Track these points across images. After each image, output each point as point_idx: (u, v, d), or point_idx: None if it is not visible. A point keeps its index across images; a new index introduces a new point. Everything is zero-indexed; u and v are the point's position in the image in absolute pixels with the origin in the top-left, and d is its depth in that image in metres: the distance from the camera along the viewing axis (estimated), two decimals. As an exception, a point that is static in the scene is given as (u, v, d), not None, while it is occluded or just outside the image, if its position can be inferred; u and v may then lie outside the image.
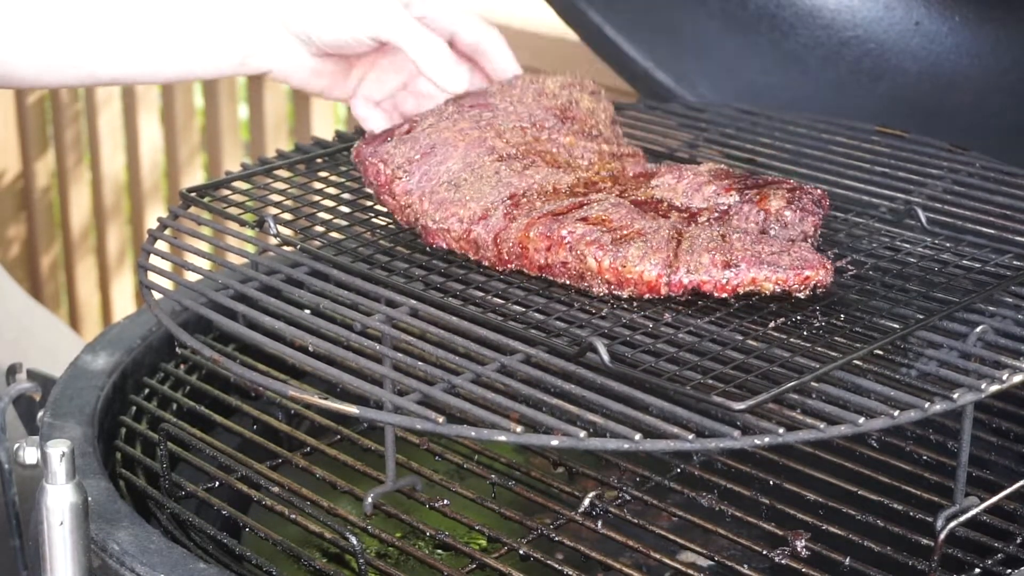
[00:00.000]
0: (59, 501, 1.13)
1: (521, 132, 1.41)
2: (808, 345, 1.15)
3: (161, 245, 1.37)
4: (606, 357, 1.09)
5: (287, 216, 1.42)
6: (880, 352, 1.14)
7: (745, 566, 1.24)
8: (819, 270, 1.21)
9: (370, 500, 1.30)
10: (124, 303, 3.76)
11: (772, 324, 1.19)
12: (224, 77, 2.19)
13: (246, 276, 1.33)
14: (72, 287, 3.86)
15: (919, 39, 1.72)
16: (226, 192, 1.48)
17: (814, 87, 1.74)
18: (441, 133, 1.40)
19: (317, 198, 1.47)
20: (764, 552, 1.25)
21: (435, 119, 1.43)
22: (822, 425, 1.03)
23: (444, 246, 1.34)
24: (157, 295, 1.28)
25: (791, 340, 1.16)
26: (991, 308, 1.22)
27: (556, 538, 1.30)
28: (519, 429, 1.03)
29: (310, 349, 1.17)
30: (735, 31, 1.82)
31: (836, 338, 1.16)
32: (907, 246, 1.35)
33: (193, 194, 1.45)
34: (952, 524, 1.18)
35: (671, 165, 1.39)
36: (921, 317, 1.19)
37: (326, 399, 1.11)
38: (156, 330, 1.62)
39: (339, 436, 1.50)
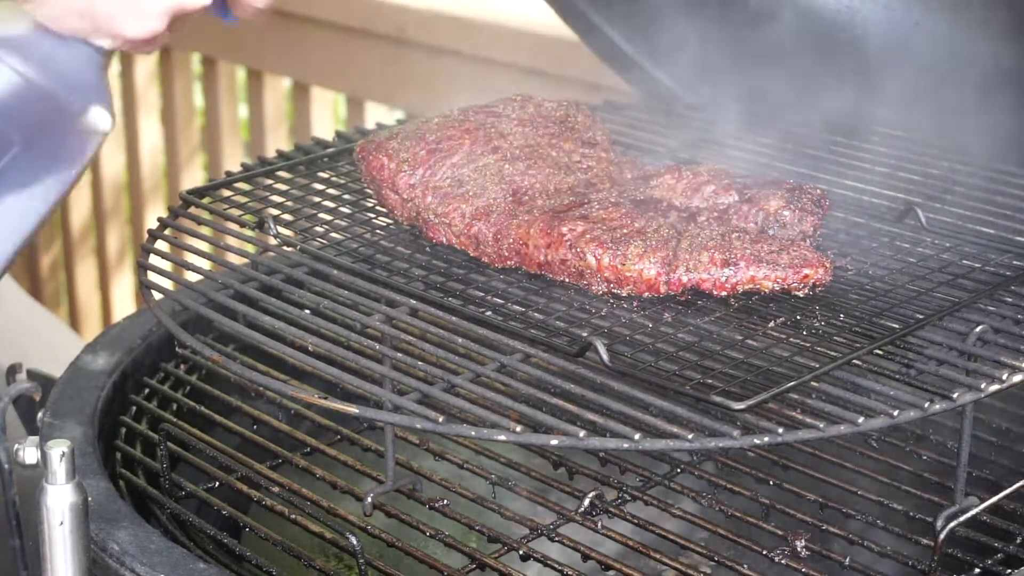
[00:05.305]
0: (59, 501, 1.13)
1: (524, 136, 1.43)
2: (808, 345, 1.15)
3: (161, 245, 1.37)
4: (606, 356, 1.09)
5: (287, 217, 1.42)
6: (880, 352, 1.14)
7: (745, 566, 1.23)
8: (818, 268, 1.22)
9: (370, 500, 1.30)
10: (124, 303, 3.76)
11: (772, 324, 1.19)
12: None
13: (246, 276, 1.33)
14: (72, 287, 3.86)
15: (919, 39, 1.71)
16: (227, 193, 1.48)
17: (814, 87, 1.73)
18: (447, 132, 1.41)
19: (317, 199, 1.47)
20: (764, 552, 1.25)
21: (442, 119, 1.44)
22: (822, 424, 1.03)
23: (444, 241, 1.34)
24: (157, 295, 1.28)
25: (791, 340, 1.16)
26: (991, 308, 1.22)
27: (556, 538, 1.30)
28: (519, 428, 1.03)
29: (310, 349, 1.17)
30: (735, 31, 1.82)
31: (836, 338, 1.16)
32: (907, 246, 1.35)
33: (193, 196, 1.45)
34: (952, 524, 1.18)
35: (671, 165, 1.40)
36: (921, 317, 1.19)
37: (326, 399, 1.11)
38: (156, 330, 1.62)
39: (339, 436, 1.50)
